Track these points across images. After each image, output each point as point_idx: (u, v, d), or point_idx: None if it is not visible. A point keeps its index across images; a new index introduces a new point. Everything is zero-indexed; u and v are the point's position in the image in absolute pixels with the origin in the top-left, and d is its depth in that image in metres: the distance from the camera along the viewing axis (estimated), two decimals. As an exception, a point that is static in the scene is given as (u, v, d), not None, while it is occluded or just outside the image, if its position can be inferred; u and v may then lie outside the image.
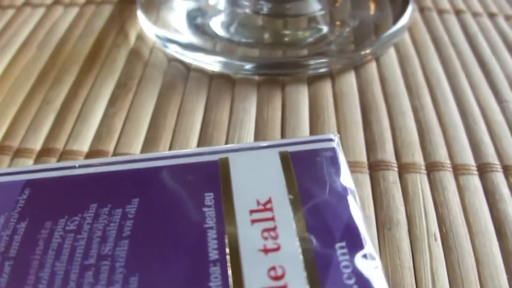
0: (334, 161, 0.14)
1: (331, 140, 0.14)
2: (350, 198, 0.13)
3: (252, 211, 0.13)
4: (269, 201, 0.13)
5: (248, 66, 0.21)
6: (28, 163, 0.19)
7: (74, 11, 0.26)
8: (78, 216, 0.13)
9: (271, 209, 0.13)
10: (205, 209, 0.13)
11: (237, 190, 0.13)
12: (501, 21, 0.26)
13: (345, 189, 0.13)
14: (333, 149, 0.14)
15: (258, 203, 0.13)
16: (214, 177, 0.14)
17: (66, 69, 0.23)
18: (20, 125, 0.20)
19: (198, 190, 0.13)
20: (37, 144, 0.20)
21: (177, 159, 0.14)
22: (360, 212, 0.13)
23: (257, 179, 0.14)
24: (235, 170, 0.14)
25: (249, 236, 0.12)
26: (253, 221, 0.13)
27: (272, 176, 0.14)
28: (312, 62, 0.22)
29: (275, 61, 0.22)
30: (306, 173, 0.14)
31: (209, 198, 0.13)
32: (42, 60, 0.23)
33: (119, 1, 0.27)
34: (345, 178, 0.14)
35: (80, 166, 0.15)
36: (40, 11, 0.27)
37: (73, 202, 0.14)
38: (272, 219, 0.13)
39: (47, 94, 0.22)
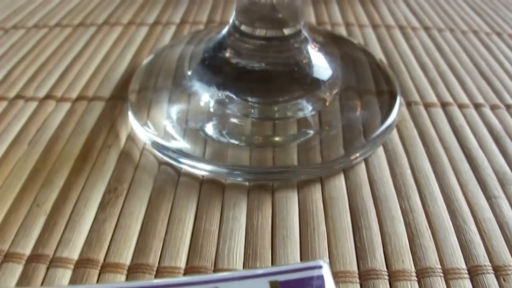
0: (324, 291, 0.14)
1: (320, 267, 0.15)
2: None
3: None
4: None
5: (237, 173, 0.22)
6: (17, 268, 0.19)
7: (66, 106, 0.27)
8: None
9: None
10: None
11: (227, 324, 0.13)
12: (487, 111, 0.27)
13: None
14: (321, 278, 0.14)
15: None
16: (205, 309, 0.14)
17: (57, 169, 0.23)
18: (10, 228, 0.20)
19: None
20: (27, 249, 0.19)
21: (167, 290, 0.14)
22: None
23: (247, 312, 0.14)
24: (225, 302, 0.14)
25: None
26: None
27: (262, 308, 0.14)
28: (302, 170, 0.22)
29: (264, 170, 0.22)
30: (295, 304, 0.14)
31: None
32: (33, 158, 0.23)
33: (110, 97, 0.27)
34: (335, 308, 0.14)
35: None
36: (33, 105, 0.27)
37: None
38: None
39: (38, 195, 0.22)
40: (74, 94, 0.28)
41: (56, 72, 0.30)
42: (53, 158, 0.23)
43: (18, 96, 0.28)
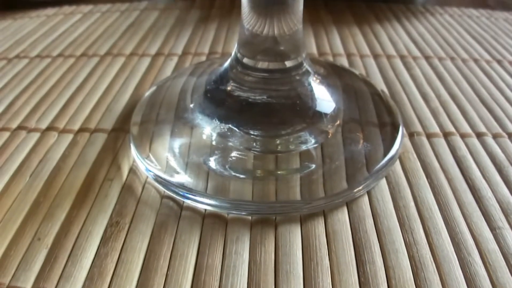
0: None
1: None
2: None
3: None
4: None
5: (240, 207, 0.21)
6: (18, 304, 0.19)
7: (68, 138, 0.27)
8: None
9: None
10: None
11: None
12: (490, 140, 0.27)
13: None
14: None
15: None
16: None
17: (58, 202, 0.23)
18: (10, 261, 0.20)
19: None
20: (28, 283, 0.19)
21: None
22: None
23: None
24: None
25: None
26: None
27: None
28: (304, 205, 0.22)
29: (267, 205, 0.22)
30: None
31: None
32: (35, 190, 0.23)
33: (112, 129, 0.27)
34: None
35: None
36: (35, 136, 0.27)
37: None
38: None
39: (39, 229, 0.21)
40: (76, 126, 0.28)
41: (59, 103, 0.30)
42: (54, 190, 0.23)
43: (20, 127, 0.28)
